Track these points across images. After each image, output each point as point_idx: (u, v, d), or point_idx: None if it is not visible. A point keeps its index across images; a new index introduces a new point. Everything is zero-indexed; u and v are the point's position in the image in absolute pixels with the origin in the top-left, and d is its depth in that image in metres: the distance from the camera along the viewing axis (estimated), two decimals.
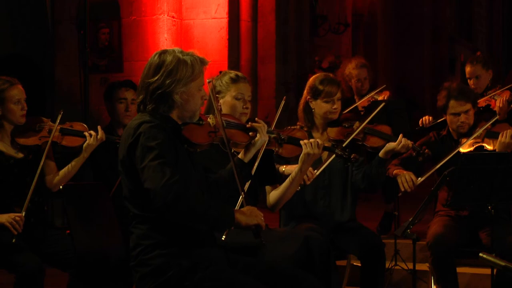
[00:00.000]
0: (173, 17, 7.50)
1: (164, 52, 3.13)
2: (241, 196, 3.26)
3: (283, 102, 4.11)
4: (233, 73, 3.90)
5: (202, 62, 3.15)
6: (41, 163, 4.11)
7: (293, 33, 8.45)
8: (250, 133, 3.41)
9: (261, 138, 3.38)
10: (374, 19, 11.98)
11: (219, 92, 3.82)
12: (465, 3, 17.16)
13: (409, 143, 4.24)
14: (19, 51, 8.11)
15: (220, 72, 3.96)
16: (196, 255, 3.00)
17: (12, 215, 3.96)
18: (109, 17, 7.60)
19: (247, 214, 3.01)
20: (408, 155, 4.56)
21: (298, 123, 4.54)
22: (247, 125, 3.44)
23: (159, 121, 3.03)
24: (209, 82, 3.29)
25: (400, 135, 4.25)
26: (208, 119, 3.35)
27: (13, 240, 3.90)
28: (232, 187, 3.28)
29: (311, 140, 3.79)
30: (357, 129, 4.33)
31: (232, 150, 3.34)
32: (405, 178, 4.36)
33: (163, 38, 7.40)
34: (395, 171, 4.48)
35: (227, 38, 7.53)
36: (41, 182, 4.22)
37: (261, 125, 3.41)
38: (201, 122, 3.27)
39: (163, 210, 2.86)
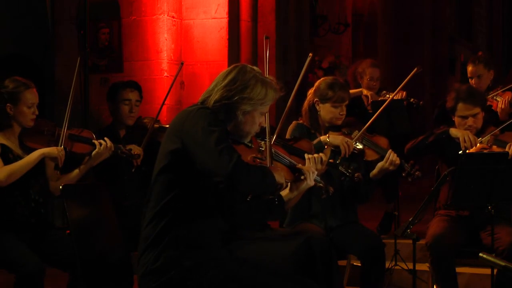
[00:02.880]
0: (173, 17, 7.49)
1: (245, 66, 3.14)
2: None
3: (309, 59, 4.10)
4: None
5: (276, 91, 3.16)
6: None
7: (293, 33, 8.44)
8: (296, 174, 3.43)
9: (307, 183, 3.43)
10: (374, 19, 11.96)
11: None
12: (465, 3, 17.14)
13: (397, 159, 4.20)
14: (19, 51, 8.12)
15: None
16: (200, 255, 3.01)
17: (59, 148, 4.15)
18: (109, 17, 7.59)
19: (277, 173, 3.17)
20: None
21: (300, 119, 4.54)
22: (297, 166, 3.45)
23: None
24: None
25: (389, 151, 4.23)
26: (259, 145, 3.38)
27: (57, 172, 4.16)
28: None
29: (315, 155, 3.76)
30: (355, 137, 4.34)
31: None
32: (468, 137, 4.44)
33: (163, 38, 7.39)
34: (452, 130, 4.54)
35: (227, 38, 7.52)
36: (45, 185, 4.25)
37: (310, 171, 3.43)
38: (250, 145, 3.29)
39: (229, 187, 3.00)
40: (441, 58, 13.67)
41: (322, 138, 4.31)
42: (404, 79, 4.79)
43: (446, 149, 4.61)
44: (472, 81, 5.79)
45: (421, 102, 5.80)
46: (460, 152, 4.38)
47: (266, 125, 3.34)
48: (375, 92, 6.10)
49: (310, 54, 4.24)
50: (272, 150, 3.36)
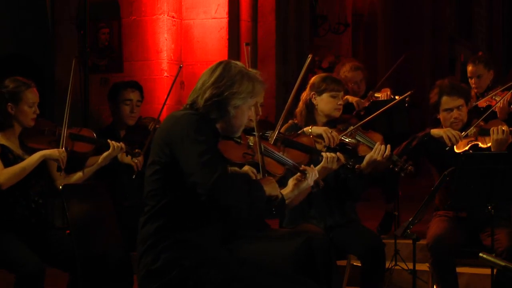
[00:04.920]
0: (173, 17, 7.50)
1: (229, 62, 3.15)
2: None
3: (308, 59, 4.13)
4: None
5: (262, 83, 3.18)
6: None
7: (293, 33, 8.45)
8: (298, 174, 3.41)
9: (307, 182, 3.41)
10: (374, 19, 11.96)
11: None
12: (465, 3, 17.15)
13: (386, 150, 4.15)
14: (19, 51, 8.12)
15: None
16: (200, 255, 3.01)
17: (60, 150, 4.12)
18: (109, 17, 7.60)
19: (270, 186, 3.12)
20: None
21: (295, 119, 4.54)
22: (300, 168, 3.42)
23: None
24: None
25: (377, 143, 4.21)
26: (248, 141, 3.37)
27: (60, 174, 4.15)
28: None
29: (333, 154, 3.84)
30: (348, 131, 4.34)
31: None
32: (451, 133, 4.44)
33: (163, 38, 7.40)
34: (433, 131, 4.53)
35: (227, 38, 7.53)
36: (45, 185, 4.25)
37: (312, 171, 3.41)
38: (239, 141, 3.29)
39: (210, 201, 2.91)
40: (441, 58, 13.67)
41: (305, 129, 4.31)
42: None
43: (431, 150, 4.60)
44: (471, 81, 5.80)
45: (407, 99, 5.72)
46: (447, 148, 4.40)
47: (256, 132, 3.35)
48: (361, 95, 6.08)
49: (310, 55, 4.25)
50: (263, 146, 3.35)
